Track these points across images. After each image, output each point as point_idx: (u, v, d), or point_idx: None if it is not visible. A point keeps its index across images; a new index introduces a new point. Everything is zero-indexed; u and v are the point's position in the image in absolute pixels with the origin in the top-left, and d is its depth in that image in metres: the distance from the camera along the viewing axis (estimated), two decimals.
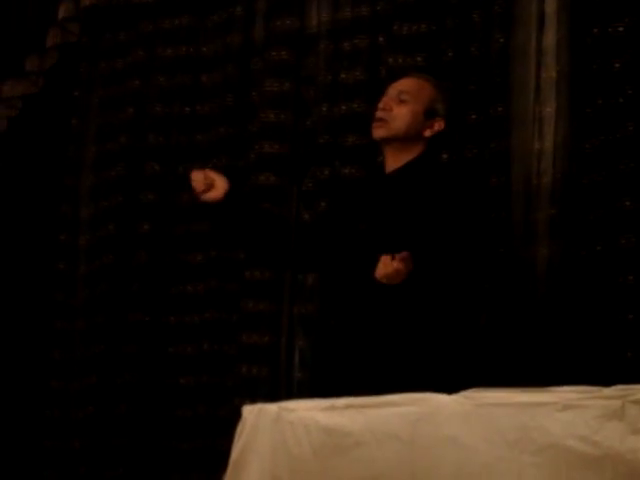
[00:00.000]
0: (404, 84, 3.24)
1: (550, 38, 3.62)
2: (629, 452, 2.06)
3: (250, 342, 3.99)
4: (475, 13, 3.74)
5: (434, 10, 3.81)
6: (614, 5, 3.46)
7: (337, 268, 3.22)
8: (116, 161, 4.44)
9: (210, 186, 3.23)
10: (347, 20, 3.99)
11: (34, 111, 4.66)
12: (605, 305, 3.37)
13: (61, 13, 4.52)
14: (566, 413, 2.14)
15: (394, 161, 3.19)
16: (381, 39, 3.91)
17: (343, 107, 3.91)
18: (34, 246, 4.63)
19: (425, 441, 2.29)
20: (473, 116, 3.69)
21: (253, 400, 2.67)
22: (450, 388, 2.38)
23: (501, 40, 3.69)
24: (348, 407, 2.44)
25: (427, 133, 3.19)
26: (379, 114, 3.19)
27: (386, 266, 2.87)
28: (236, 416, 2.60)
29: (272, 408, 2.54)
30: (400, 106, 3.18)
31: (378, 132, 3.19)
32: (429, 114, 3.19)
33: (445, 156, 3.64)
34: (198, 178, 3.25)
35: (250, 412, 2.56)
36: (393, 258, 2.86)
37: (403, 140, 3.17)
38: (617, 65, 3.43)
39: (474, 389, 2.32)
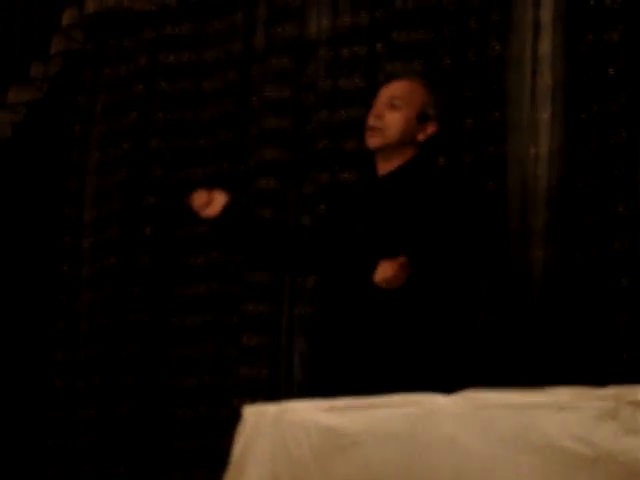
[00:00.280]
0: (395, 89, 3.20)
1: (546, 45, 3.63)
2: (624, 452, 2.05)
3: (250, 343, 4.00)
4: (472, 21, 3.75)
5: (432, 18, 3.82)
6: (608, 13, 3.48)
7: (335, 271, 3.23)
8: (119, 165, 4.45)
9: (209, 203, 3.25)
10: (346, 27, 4.00)
11: (39, 117, 4.66)
12: (600, 307, 3.38)
13: (65, 20, 4.53)
14: (562, 414, 2.13)
15: (387, 165, 3.17)
16: (380, 46, 3.93)
17: (342, 113, 3.91)
18: (39, 249, 4.64)
19: (423, 441, 2.28)
20: (470, 122, 3.70)
21: (253, 401, 2.66)
22: (448, 389, 2.37)
23: (497, 47, 3.70)
24: (347, 408, 2.44)
25: (421, 137, 3.16)
26: (372, 123, 3.16)
27: (385, 271, 2.88)
28: (236, 417, 2.60)
29: (272, 409, 2.53)
30: (392, 112, 3.15)
31: (373, 141, 3.16)
32: (422, 118, 3.16)
33: (442, 161, 3.66)
34: (200, 196, 3.28)
35: (250, 413, 2.55)
36: (392, 262, 2.89)
37: (396, 145, 3.15)
38: (611, 72, 3.45)
39: (471, 390, 2.32)
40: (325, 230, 3.29)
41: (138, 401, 4.27)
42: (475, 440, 2.22)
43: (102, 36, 4.60)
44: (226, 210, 3.24)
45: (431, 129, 3.17)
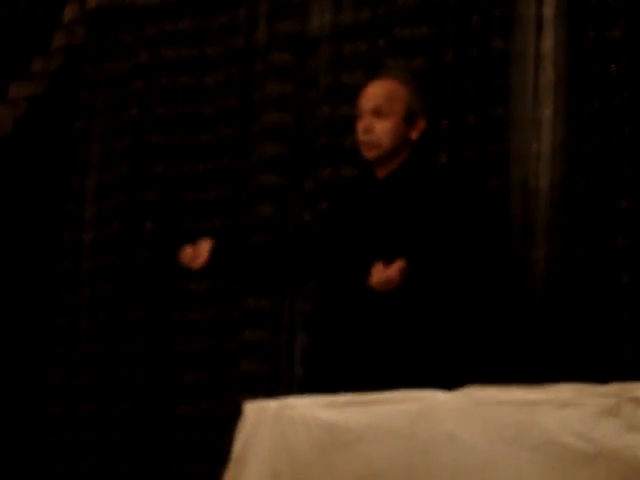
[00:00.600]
0: (377, 97, 3.19)
1: (548, 42, 3.62)
2: (625, 449, 2.07)
3: (251, 339, 4.00)
4: (474, 16, 3.74)
5: (434, 13, 3.82)
6: (611, 9, 3.47)
7: (335, 276, 3.25)
8: (120, 161, 4.45)
9: (196, 255, 3.29)
10: (348, 23, 3.99)
11: (40, 112, 4.66)
12: (601, 304, 3.38)
13: (67, 15, 4.52)
14: (563, 410, 2.16)
15: (385, 168, 3.19)
16: (382, 42, 3.91)
17: (344, 109, 3.89)
18: (39, 244, 4.63)
19: (424, 438, 2.30)
20: (472, 118, 3.69)
21: (254, 396, 2.67)
22: (449, 385, 2.39)
23: (500, 43, 3.69)
24: (348, 404, 2.46)
25: (413, 136, 3.19)
26: (364, 138, 3.17)
27: (379, 274, 2.88)
28: (237, 412, 2.61)
29: (273, 404, 2.55)
30: (380, 122, 3.16)
31: (370, 154, 3.18)
32: (409, 119, 3.18)
33: (444, 157, 3.66)
34: (186, 253, 3.32)
35: (251, 408, 2.58)
36: (386, 265, 2.88)
37: (392, 151, 3.17)
38: (614, 69, 3.44)
39: (472, 386, 2.34)
40: (325, 237, 3.30)
41: (139, 397, 4.26)
42: (476, 436, 2.24)
43: (103, 31, 4.60)
44: (214, 252, 3.27)
45: (421, 125, 3.20)
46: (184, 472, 4.11)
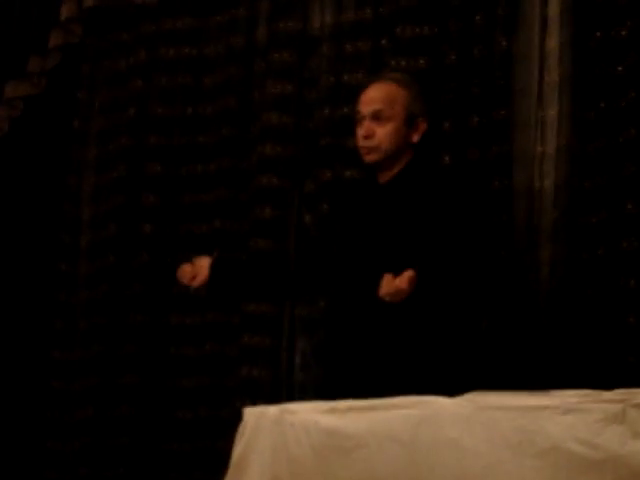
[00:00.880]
0: (376, 101, 3.18)
1: (553, 41, 3.62)
2: (630, 455, 2.08)
3: (251, 344, 3.99)
4: (478, 16, 3.73)
5: (437, 13, 3.81)
6: (617, 9, 3.46)
7: (340, 284, 3.22)
8: (118, 162, 4.45)
9: (195, 274, 3.28)
10: (350, 22, 3.98)
11: (36, 112, 4.65)
12: (607, 308, 3.36)
13: (64, 14, 4.51)
14: (567, 416, 2.16)
15: (387, 172, 3.19)
16: (384, 42, 3.91)
17: (345, 109, 3.89)
18: (36, 246, 4.63)
19: (426, 444, 2.30)
20: (476, 119, 3.68)
21: (254, 402, 2.72)
22: (452, 391, 2.39)
23: (504, 43, 3.68)
24: (349, 410, 2.47)
25: (415, 139, 3.19)
26: (364, 144, 3.17)
27: (389, 285, 2.87)
28: (237, 418, 2.62)
29: (273, 410, 2.57)
30: (380, 126, 3.16)
31: (370, 158, 3.18)
32: (410, 121, 3.18)
33: (447, 159, 3.66)
34: (184, 272, 3.30)
35: (251, 414, 2.59)
36: (395, 276, 2.86)
37: (394, 155, 3.16)
38: (620, 69, 3.43)
39: (476, 392, 2.34)
40: (328, 245, 3.29)
41: (137, 402, 4.26)
42: (479, 442, 2.24)
43: (101, 30, 4.60)
44: (214, 269, 3.26)
45: (422, 127, 3.20)
46: (183, 478, 4.11)
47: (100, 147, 4.53)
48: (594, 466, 2.10)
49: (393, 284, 2.86)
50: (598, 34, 3.48)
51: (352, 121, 3.35)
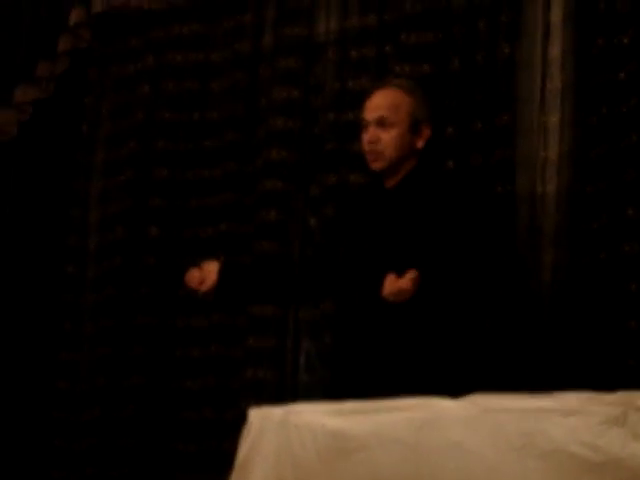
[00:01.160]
0: (381, 108, 3.20)
1: (555, 48, 3.62)
2: (631, 457, 2.08)
3: (256, 346, 4.00)
4: (481, 23, 3.74)
5: (441, 20, 3.82)
6: (619, 16, 3.47)
7: (346, 287, 3.23)
8: (125, 166, 4.46)
9: (203, 278, 3.27)
10: (355, 29, 4.00)
11: (45, 116, 4.66)
12: (608, 312, 3.37)
13: (72, 19, 4.52)
14: (569, 419, 2.16)
15: (393, 178, 3.21)
16: (388, 48, 3.92)
17: (350, 115, 3.90)
18: (44, 249, 4.64)
19: (429, 446, 2.30)
20: (479, 125, 3.69)
21: (259, 403, 2.66)
22: (456, 392, 2.39)
23: (507, 50, 3.69)
24: (353, 411, 2.46)
25: (419, 144, 3.20)
26: (369, 148, 3.19)
27: (392, 285, 2.89)
28: (242, 419, 2.61)
29: (278, 411, 2.56)
30: (385, 132, 3.17)
31: (376, 165, 3.19)
32: (414, 127, 3.19)
33: (451, 164, 3.66)
34: (192, 277, 3.29)
35: (256, 415, 2.58)
36: (398, 276, 2.88)
37: (399, 161, 3.18)
38: (621, 75, 3.43)
39: (478, 394, 2.34)
40: (334, 250, 3.30)
41: (143, 403, 4.27)
42: (482, 445, 2.24)
43: (109, 35, 4.61)
44: (222, 274, 3.26)
45: (426, 133, 3.22)
46: (188, 478, 4.11)
47: (108, 151, 4.54)
48: (595, 468, 2.10)
49: (396, 284, 2.87)
50: (600, 41, 3.49)
51: (357, 126, 3.36)
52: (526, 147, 3.63)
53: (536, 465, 2.16)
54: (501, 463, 2.21)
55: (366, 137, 3.20)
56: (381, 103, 3.21)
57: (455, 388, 2.49)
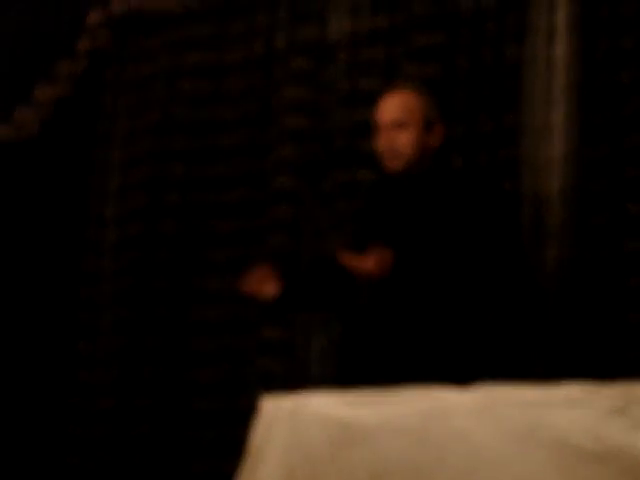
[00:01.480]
0: (395, 111, 3.20)
1: (560, 49, 3.63)
2: (633, 448, 2.07)
3: (268, 337, 4.03)
4: (488, 24, 3.77)
5: (449, 21, 3.84)
6: (623, 18, 3.50)
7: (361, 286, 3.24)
8: (142, 163, 4.47)
9: (262, 282, 3.24)
10: (366, 30, 4.01)
11: (64, 115, 4.66)
12: (611, 306, 3.41)
13: (91, 20, 4.55)
14: (573, 410, 2.16)
15: (408, 176, 3.22)
16: (398, 49, 3.93)
17: (360, 113, 3.91)
18: (63, 243, 4.65)
19: (436, 436, 2.30)
20: (485, 124, 3.72)
21: (270, 393, 2.65)
22: (460, 383, 2.42)
23: (513, 51, 3.71)
24: (362, 402, 2.46)
25: (434, 143, 3.21)
26: (387, 149, 3.19)
27: (358, 260, 2.95)
28: (253, 409, 2.62)
29: (289, 401, 2.54)
30: (401, 133, 3.18)
31: (394, 165, 3.19)
32: (428, 126, 3.21)
33: (458, 163, 3.68)
34: (251, 282, 3.25)
35: (267, 405, 2.57)
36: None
37: (416, 161, 3.20)
38: (625, 76, 3.47)
39: (484, 386, 2.35)
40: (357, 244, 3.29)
41: (157, 392, 4.29)
42: (487, 435, 2.25)
43: (127, 36, 4.62)
44: (285, 276, 3.25)
45: (440, 132, 3.23)
46: (200, 467, 4.14)
47: (125, 149, 4.55)
48: (598, 458, 2.09)
49: (361, 262, 2.95)
50: (604, 42, 3.52)
51: (367, 125, 3.37)
52: (531, 146, 3.64)
53: (539, 455, 2.16)
54: (506, 453, 2.20)
55: (382, 139, 3.20)
56: (395, 105, 3.22)
57: (461, 378, 2.52)
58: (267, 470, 2.52)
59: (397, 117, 3.20)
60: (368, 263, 2.97)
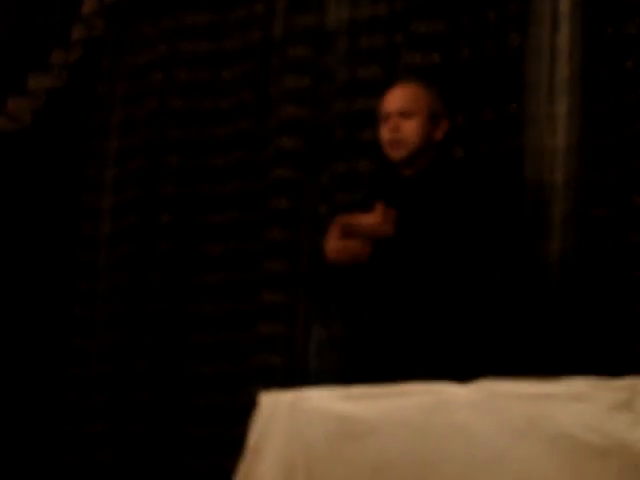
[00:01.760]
0: (401, 100, 3.24)
1: (564, 37, 3.63)
2: (637, 442, 2.08)
3: (267, 332, 4.02)
4: (491, 12, 3.75)
5: (451, 9, 3.83)
6: (627, 5, 3.47)
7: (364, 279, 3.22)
8: (138, 153, 4.47)
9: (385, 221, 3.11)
10: (365, 18, 4.00)
11: (59, 104, 4.66)
12: (615, 299, 3.39)
13: (86, 8, 4.54)
14: (576, 404, 2.17)
15: (410, 167, 3.23)
16: (398, 37, 3.93)
17: (360, 103, 3.92)
18: (57, 236, 4.65)
19: (437, 430, 2.31)
20: (487, 113, 3.71)
21: (269, 388, 2.67)
22: (463, 377, 2.40)
23: (516, 39, 3.69)
24: (362, 396, 2.46)
25: (438, 136, 3.23)
26: (391, 136, 3.21)
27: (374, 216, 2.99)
28: (253, 404, 2.62)
29: (288, 396, 2.56)
30: (407, 122, 3.20)
31: (398, 153, 3.21)
32: (433, 119, 3.23)
33: (460, 153, 3.67)
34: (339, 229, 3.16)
35: (266, 400, 2.59)
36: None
37: (420, 151, 3.21)
38: (629, 65, 3.45)
39: (486, 379, 2.34)
40: None
41: (154, 388, 4.28)
42: (489, 429, 2.25)
43: (122, 24, 4.62)
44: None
45: (445, 125, 3.26)
46: (199, 463, 4.13)
47: (120, 139, 4.54)
48: (601, 453, 2.10)
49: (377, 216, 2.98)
50: (608, 30, 3.50)
51: (367, 114, 3.40)
52: (534, 136, 3.64)
53: (542, 450, 2.17)
54: (508, 447, 2.21)
55: (388, 127, 3.23)
56: (401, 95, 3.26)
57: (463, 373, 2.50)
58: (267, 465, 2.53)
59: (404, 106, 3.23)
60: (372, 218, 2.99)
